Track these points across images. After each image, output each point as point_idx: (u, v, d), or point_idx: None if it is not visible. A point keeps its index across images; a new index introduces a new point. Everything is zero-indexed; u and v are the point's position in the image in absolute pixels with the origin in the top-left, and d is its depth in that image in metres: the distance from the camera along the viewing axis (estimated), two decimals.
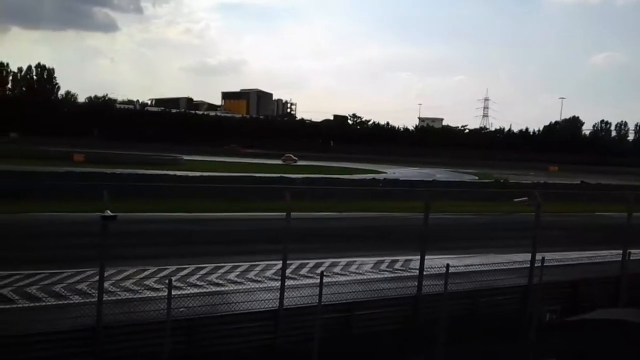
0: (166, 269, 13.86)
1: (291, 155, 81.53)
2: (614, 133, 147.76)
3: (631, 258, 13.56)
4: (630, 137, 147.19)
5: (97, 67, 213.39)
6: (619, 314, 4.82)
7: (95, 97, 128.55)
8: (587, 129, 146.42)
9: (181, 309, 9.42)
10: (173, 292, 8.65)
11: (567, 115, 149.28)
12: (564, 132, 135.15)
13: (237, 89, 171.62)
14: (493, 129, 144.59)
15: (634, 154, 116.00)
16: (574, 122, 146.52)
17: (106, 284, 9.46)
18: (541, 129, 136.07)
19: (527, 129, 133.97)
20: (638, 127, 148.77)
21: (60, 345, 8.40)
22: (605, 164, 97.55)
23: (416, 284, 11.28)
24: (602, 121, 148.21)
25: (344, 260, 16.06)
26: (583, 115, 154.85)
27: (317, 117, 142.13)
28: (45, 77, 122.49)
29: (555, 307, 11.84)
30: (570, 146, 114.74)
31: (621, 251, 13.65)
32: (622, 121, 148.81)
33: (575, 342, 5.33)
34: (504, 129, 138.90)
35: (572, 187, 48.89)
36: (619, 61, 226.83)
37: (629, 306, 11.55)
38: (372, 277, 14.63)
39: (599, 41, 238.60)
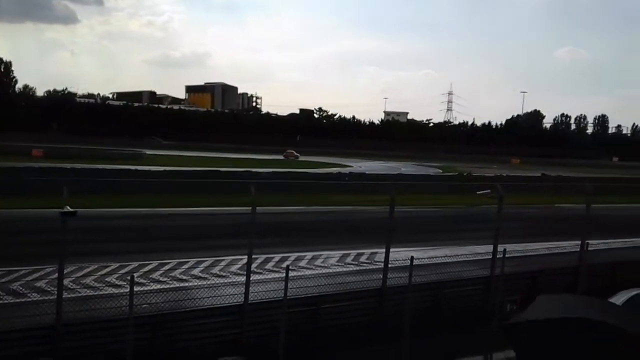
0: (128, 265, 13.64)
1: (293, 152, 78.01)
2: (573, 126, 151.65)
3: (589, 249, 13.92)
4: (589, 130, 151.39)
5: (57, 60, 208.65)
6: (556, 300, 4.89)
7: (55, 90, 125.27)
8: (547, 122, 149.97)
9: (144, 306, 9.29)
10: (136, 289, 8.52)
11: (528, 108, 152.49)
12: (526, 125, 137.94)
13: (201, 83, 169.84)
14: (457, 122, 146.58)
15: (593, 147, 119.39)
16: (535, 116, 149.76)
17: (66, 281, 9.26)
18: (503, 122, 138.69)
19: (489, 122, 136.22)
20: (597, 121, 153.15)
21: (19, 344, 8.21)
22: (566, 157, 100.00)
23: (381, 276, 11.37)
24: (562, 114, 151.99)
25: (309, 254, 16.07)
26: (544, 109, 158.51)
27: (283, 111, 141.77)
28: (2, 70, 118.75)
29: (515, 298, 12.09)
30: (532, 139, 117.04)
31: (580, 242, 14.01)
32: (581, 114, 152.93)
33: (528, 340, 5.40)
34: (467, 122, 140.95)
35: (533, 179, 49.90)
36: (580, 56, 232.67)
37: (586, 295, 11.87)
38: (338, 270, 14.68)
39: (561, 36, 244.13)
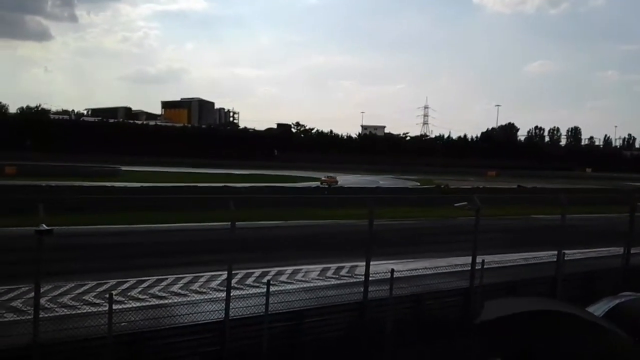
0: (106, 283, 13.44)
1: (333, 176, 65.42)
2: (547, 139, 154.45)
3: (566, 259, 14.11)
4: (563, 142, 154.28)
5: (30, 77, 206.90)
6: (507, 302, 4.93)
7: (28, 107, 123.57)
8: (522, 134, 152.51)
9: (123, 324, 9.14)
10: (114, 307, 8.40)
11: (503, 121, 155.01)
12: (501, 138, 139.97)
13: (177, 98, 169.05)
14: (433, 136, 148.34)
15: (566, 159, 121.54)
16: (510, 129, 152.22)
17: (42, 300, 9.05)
18: (479, 135, 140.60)
19: (465, 135, 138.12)
20: (570, 133, 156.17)
21: None
22: (540, 169, 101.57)
23: (362, 289, 11.37)
24: (536, 127, 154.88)
25: (290, 269, 16.03)
26: (518, 122, 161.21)
27: (261, 126, 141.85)
28: None
29: None
30: (507, 152, 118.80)
31: (556, 252, 14.20)
32: (554, 127, 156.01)
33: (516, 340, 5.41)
34: (443, 135, 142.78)
35: (509, 191, 50.52)
36: (552, 69, 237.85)
37: None
38: (319, 284, 14.65)
39: (533, 49, 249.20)
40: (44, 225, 8.06)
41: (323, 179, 63.56)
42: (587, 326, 4.50)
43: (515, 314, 4.54)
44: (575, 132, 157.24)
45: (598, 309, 8.88)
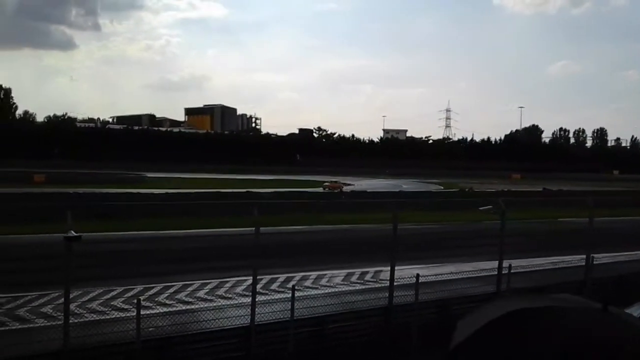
0: (133, 288, 13.60)
1: (338, 182, 62.35)
2: (572, 140, 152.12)
3: (594, 262, 13.87)
4: (589, 143, 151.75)
5: (56, 85, 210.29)
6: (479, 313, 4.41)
7: (55, 116, 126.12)
8: (546, 136, 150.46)
9: (150, 329, 9.24)
10: (142, 312, 8.49)
11: (526, 123, 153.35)
12: (525, 140, 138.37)
13: (200, 105, 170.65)
14: (456, 139, 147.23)
15: (592, 161, 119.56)
16: (534, 131, 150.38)
17: (72, 306, 9.21)
18: (502, 137, 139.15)
19: (488, 138, 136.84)
20: (595, 134, 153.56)
21: None
22: (566, 171, 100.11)
23: (387, 294, 11.32)
24: (560, 129, 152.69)
25: (314, 274, 16.03)
26: (542, 124, 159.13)
27: (282, 131, 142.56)
28: (2, 97, 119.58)
29: None
30: (531, 154, 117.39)
31: (584, 256, 13.97)
32: (580, 128, 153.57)
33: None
34: (466, 138, 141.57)
35: (534, 194, 49.91)
36: (576, 69, 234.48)
37: None
38: (343, 289, 14.60)
39: (556, 50, 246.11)
40: (73, 232, 8.19)
41: (326, 184, 59.94)
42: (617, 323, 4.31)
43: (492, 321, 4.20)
44: (601, 133, 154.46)
45: (633, 312, 8.69)
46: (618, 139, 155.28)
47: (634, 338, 3.78)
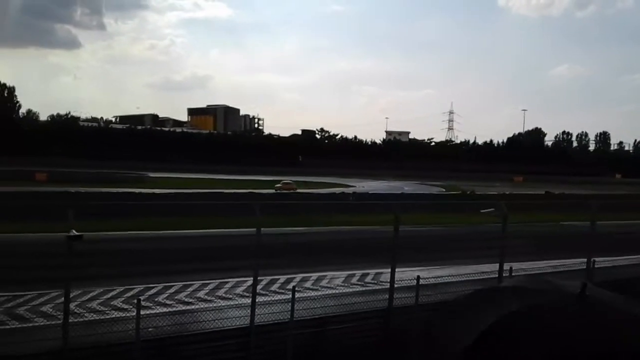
0: (133, 288, 13.59)
1: (289, 182, 59.59)
2: (575, 144, 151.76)
3: (596, 266, 13.83)
4: (591, 147, 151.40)
5: (60, 84, 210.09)
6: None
7: (58, 115, 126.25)
8: (549, 140, 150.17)
9: (150, 329, 9.24)
10: (141, 312, 8.48)
11: (529, 126, 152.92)
12: (527, 143, 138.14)
13: (203, 105, 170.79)
14: (458, 141, 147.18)
15: (595, 164, 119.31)
16: (537, 134, 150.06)
17: (72, 305, 9.22)
18: (505, 140, 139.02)
19: (491, 140, 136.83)
20: (598, 138, 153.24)
21: None
22: (568, 174, 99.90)
23: (387, 296, 11.31)
24: (563, 132, 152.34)
25: (314, 275, 16.01)
26: (545, 127, 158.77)
27: (285, 132, 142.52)
28: (5, 95, 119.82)
29: None
30: (534, 157, 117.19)
31: (585, 259, 13.93)
32: (583, 132, 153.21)
33: None
34: (469, 141, 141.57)
35: (536, 197, 49.82)
36: (579, 72, 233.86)
37: None
38: (344, 291, 14.58)
39: (560, 53, 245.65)
40: (74, 231, 8.20)
41: (277, 185, 55.47)
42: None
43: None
44: (604, 137, 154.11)
45: None
46: (621, 143, 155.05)
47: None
